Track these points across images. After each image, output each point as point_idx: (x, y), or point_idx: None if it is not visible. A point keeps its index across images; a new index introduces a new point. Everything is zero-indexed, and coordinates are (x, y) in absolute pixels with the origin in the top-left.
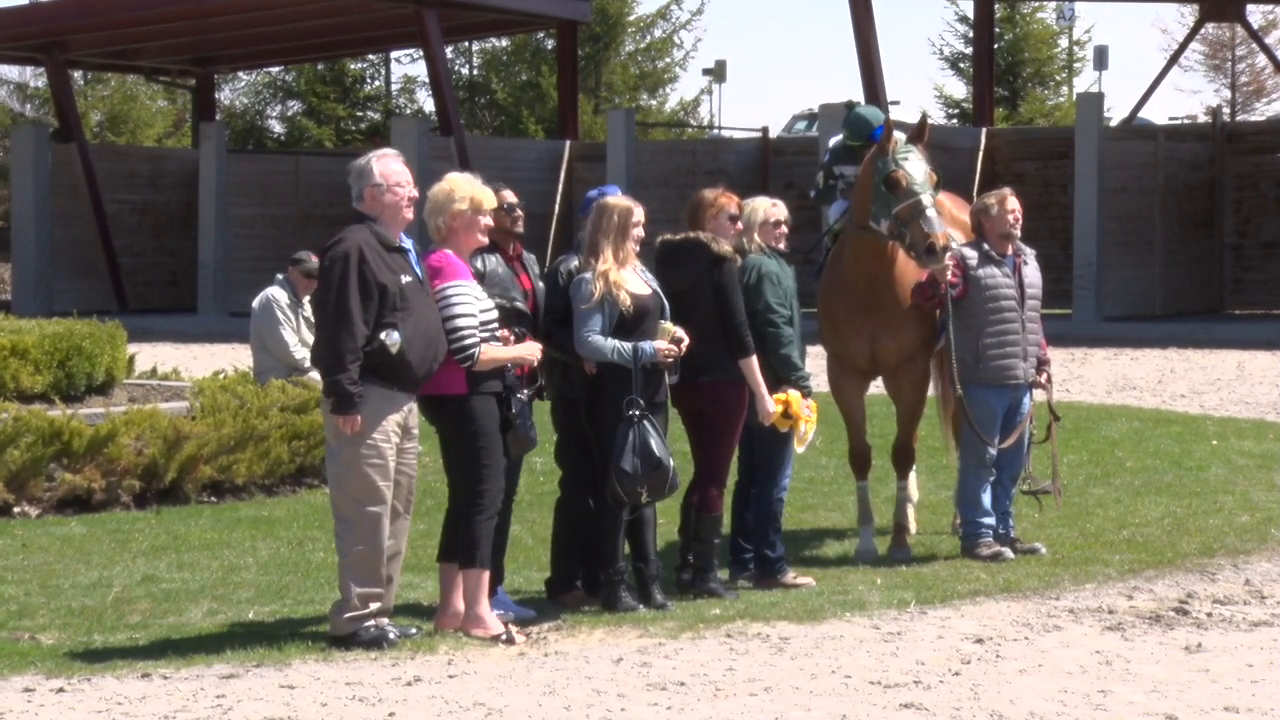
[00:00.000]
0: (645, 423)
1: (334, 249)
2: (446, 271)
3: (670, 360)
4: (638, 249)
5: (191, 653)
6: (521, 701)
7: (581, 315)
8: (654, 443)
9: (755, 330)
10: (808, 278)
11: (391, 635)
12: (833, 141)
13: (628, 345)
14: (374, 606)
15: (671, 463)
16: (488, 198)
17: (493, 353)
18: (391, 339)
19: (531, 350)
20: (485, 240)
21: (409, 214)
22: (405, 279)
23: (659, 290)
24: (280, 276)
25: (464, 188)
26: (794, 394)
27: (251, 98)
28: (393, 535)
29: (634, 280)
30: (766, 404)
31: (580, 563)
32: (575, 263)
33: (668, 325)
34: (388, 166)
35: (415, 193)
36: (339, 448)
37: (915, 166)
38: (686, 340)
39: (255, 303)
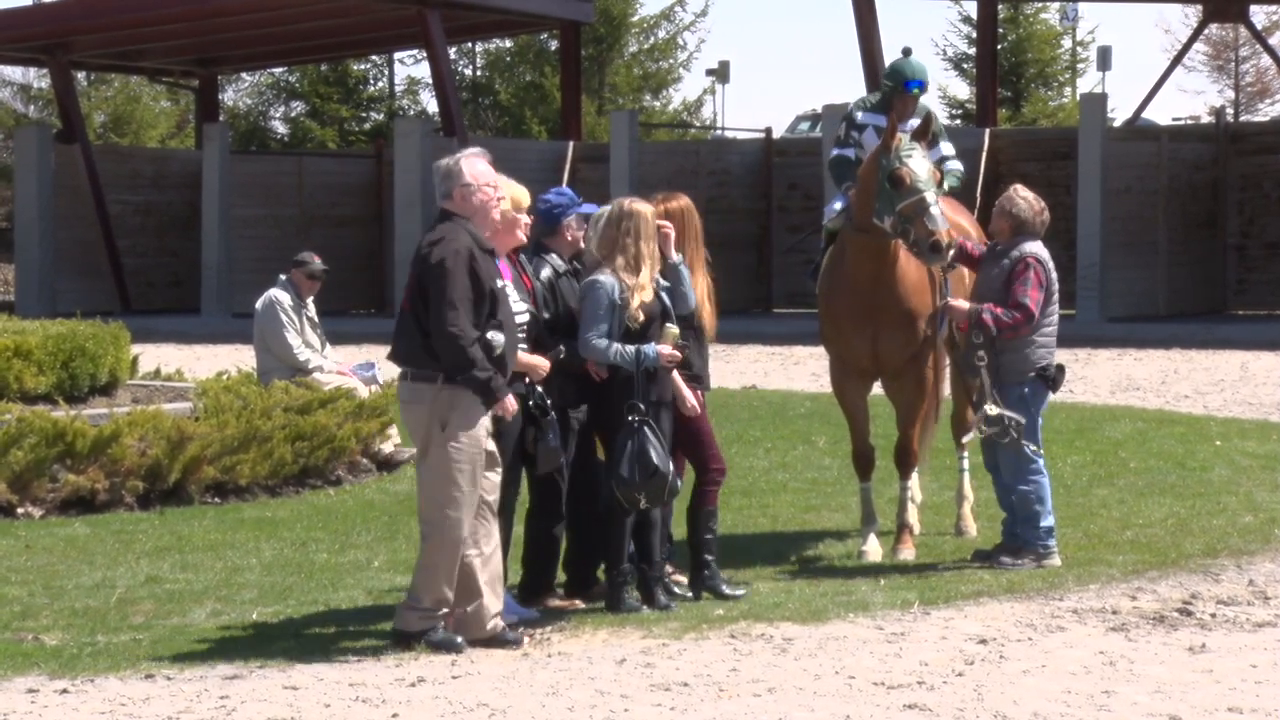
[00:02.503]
0: (645, 429)
1: (442, 246)
2: None
3: (672, 364)
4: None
5: (195, 654)
6: (525, 702)
7: (589, 318)
8: (652, 450)
9: None
10: (804, 278)
11: (458, 640)
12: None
13: (630, 348)
14: (444, 610)
15: (671, 468)
16: (525, 196)
17: (522, 357)
18: (497, 340)
19: (543, 363)
20: (524, 239)
21: (497, 216)
22: (499, 282)
23: (663, 295)
24: (283, 277)
25: (504, 187)
26: None
27: (255, 99)
28: (485, 538)
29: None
30: (687, 400)
31: (554, 569)
32: (548, 271)
33: (672, 329)
34: (476, 167)
35: (504, 194)
36: (430, 449)
37: (919, 164)
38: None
39: (258, 304)
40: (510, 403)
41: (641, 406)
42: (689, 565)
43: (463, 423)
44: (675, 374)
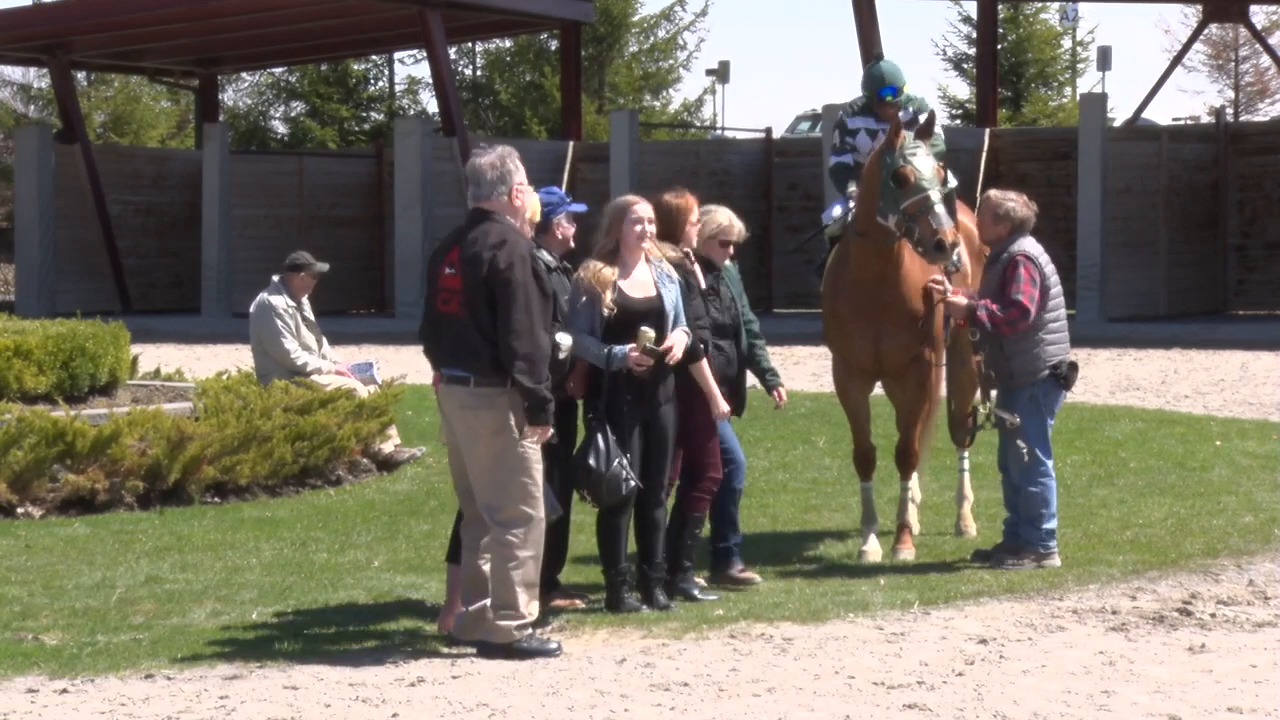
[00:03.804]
0: (596, 430)
1: (506, 250)
2: None
3: (640, 369)
4: (643, 244)
5: (195, 654)
6: (525, 702)
7: (570, 312)
8: (592, 449)
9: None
10: (808, 276)
11: (552, 645)
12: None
13: (602, 347)
14: (536, 611)
15: (610, 471)
16: (538, 204)
17: None
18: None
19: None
20: None
21: (530, 218)
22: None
23: (664, 294)
24: (275, 279)
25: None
26: None
27: (255, 99)
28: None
29: (634, 281)
30: (719, 404)
31: (555, 568)
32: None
33: (648, 333)
34: (519, 166)
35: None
36: (504, 451)
37: (923, 162)
38: (668, 352)
39: (252, 308)
40: (548, 433)
41: (600, 405)
42: (669, 567)
43: None
44: (710, 378)
